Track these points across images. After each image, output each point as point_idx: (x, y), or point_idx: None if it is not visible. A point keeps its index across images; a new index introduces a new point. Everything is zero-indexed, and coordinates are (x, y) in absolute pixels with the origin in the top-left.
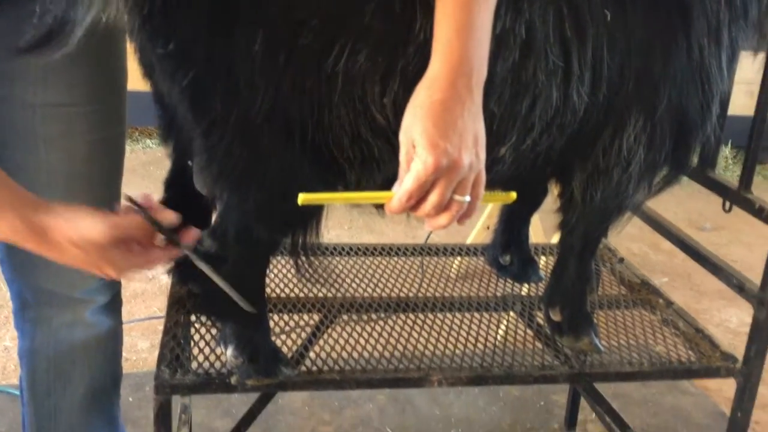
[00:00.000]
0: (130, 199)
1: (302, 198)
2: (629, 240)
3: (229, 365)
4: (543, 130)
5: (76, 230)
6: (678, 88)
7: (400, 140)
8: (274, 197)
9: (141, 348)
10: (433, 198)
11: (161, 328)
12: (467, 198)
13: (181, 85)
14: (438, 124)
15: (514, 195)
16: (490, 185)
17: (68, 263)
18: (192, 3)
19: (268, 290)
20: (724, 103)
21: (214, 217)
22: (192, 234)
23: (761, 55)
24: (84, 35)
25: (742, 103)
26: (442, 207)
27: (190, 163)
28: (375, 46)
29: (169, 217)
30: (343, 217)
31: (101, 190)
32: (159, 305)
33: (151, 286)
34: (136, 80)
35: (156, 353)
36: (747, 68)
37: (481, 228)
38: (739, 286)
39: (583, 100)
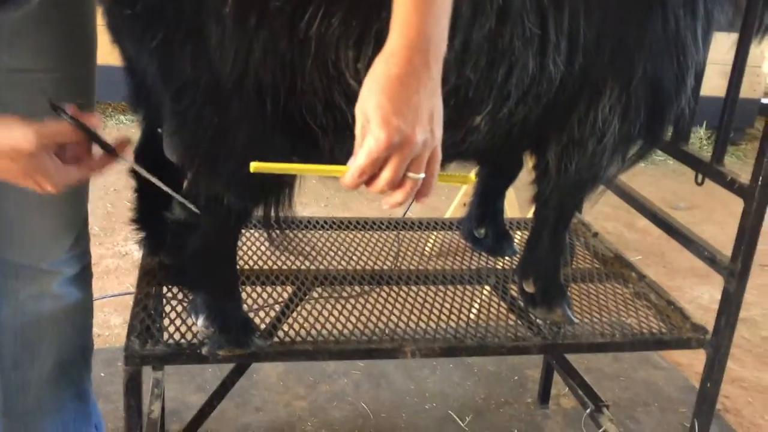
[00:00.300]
0: (56, 107)
1: (254, 166)
2: (604, 218)
3: (201, 336)
4: (519, 99)
5: (4, 139)
6: (653, 59)
7: (355, 113)
8: (245, 165)
9: (114, 324)
10: (385, 174)
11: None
12: (422, 175)
13: (149, 47)
14: (393, 99)
15: (473, 177)
16: (465, 156)
17: (1, 177)
18: None
19: (240, 262)
20: (699, 77)
21: (185, 185)
22: (124, 144)
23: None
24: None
25: (716, 84)
26: (396, 184)
27: (159, 130)
28: (349, 9)
29: (95, 122)
30: (320, 195)
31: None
32: (132, 281)
33: (124, 262)
34: (108, 55)
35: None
36: (722, 49)
37: (458, 204)
38: (711, 259)
39: (559, 69)
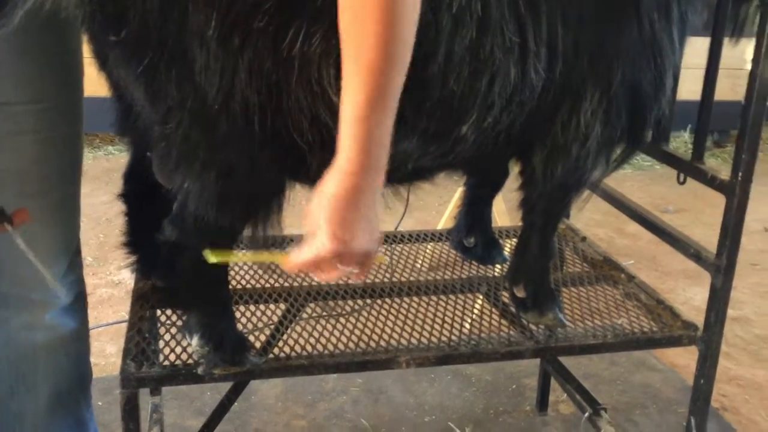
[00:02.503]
0: None
1: (210, 259)
2: (594, 225)
3: (196, 356)
4: (503, 108)
5: None
6: (631, 63)
7: (307, 213)
8: (232, 184)
9: (109, 353)
10: (322, 270)
11: None
12: (354, 271)
13: (135, 72)
14: (340, 215)
15: (385, 258)
16: (453, 166)
17: None
18: None
19: (233, 282)
20: (676, 78)
21: (174, 207)
22: (22, 214)
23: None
24: (34, 29)
25: (699, 88)
26: (328, 275)
27: (149, 154)
28: (328, 28)
29: None
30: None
31: (57, 191)
32: (127, 309)
33: (118, 291)
34: (94, 85)
35: None
36: (699, 54)
37: (449, 217)
38: (696, 255)
39: (540, 77)
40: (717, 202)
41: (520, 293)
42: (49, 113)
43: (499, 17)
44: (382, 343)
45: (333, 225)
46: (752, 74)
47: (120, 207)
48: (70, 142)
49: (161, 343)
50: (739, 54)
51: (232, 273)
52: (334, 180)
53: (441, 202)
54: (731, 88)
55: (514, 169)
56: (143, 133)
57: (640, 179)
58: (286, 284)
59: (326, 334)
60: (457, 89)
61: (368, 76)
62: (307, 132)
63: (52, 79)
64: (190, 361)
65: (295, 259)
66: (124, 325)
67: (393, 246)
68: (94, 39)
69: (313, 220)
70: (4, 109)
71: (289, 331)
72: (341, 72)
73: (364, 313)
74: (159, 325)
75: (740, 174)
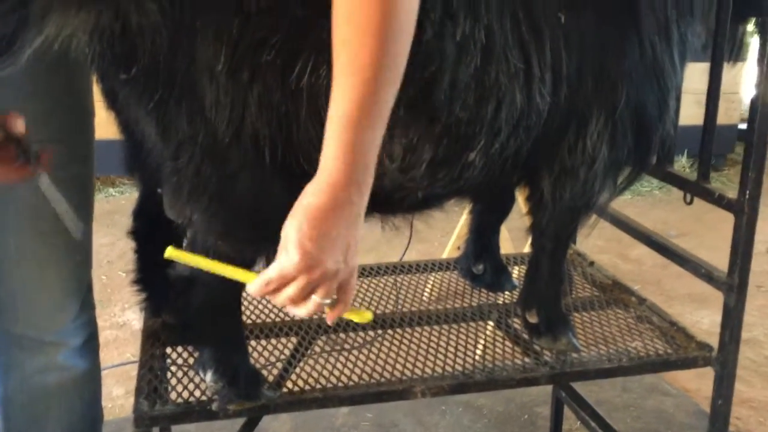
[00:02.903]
0: None
1: (168, 252)
2: (598, 251)
3: (210, 391)
4: (510, 133)
5: None
6: (635, 85)
7: (281, 234)
8: (244, 216)
9: (116, 395)
10: (288, 290)
11: (135, 374)
12: (326, 300)
13: (146, 108)
14: (312, 226)
15: (369, 315)
16: (462, 192)
17: None
18: (153, 27)
19: (242, 317)
20: (678, 100)
21: (184, 244)
22: (48, 154)
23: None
24: (43, 70)
25: (693, 112)
26: (297, 302)
27: (159, 190)
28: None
29: (20, 125)
30: None
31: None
32: (132, 351)
33: (122, 333)
34: (97, 128)
35: (132, 399)
36: (696, 79)
37: (452, 248)
38: (708, 276)
39: (545, 101)
40: (719, 225)
41: (533, 319)
42: (60, 153)
43: (503, 44)
44: (396, 373)
45: (302, 236)
46: (758, 85)
47: (121, 248)
48: (81, 182)
49: (173, 381)
50: (732, 79)
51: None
52: (313, 191)
53: (443, 233)
54: (725, 112)
55: (521, 195)
56: (153, 170)
57: (641, 205)
58: (296, 318)
59: (339, 366)
60: (464, 116)
61: (361, 87)
62: (317, 162)
63: (62, 120)
64: (204, 397)
65: (259, 278)
66: (130, 367)
67: (399, 277)
68: (103, 78)
69: (285, 232)
70: None
71: (301, 364)
72: None
73: (376, 344)
74: (170, 362)
75: (748, 192)
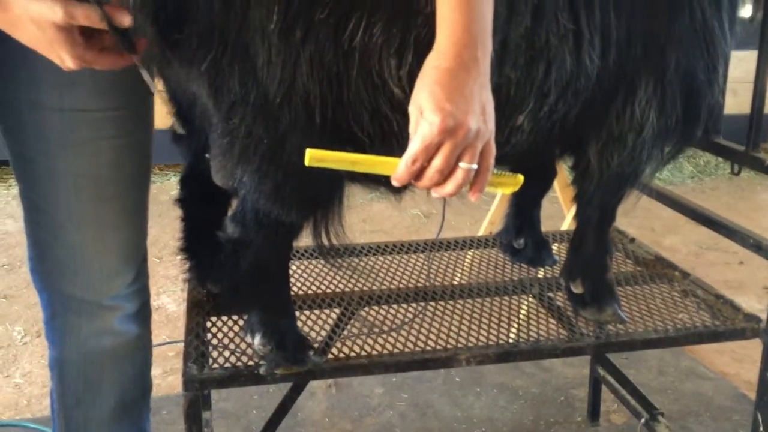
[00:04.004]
0: None
1: (309, 155)
2: None
3: (258, 354)
4: (559, 96)
5: (33, 9)
6: (684, 51)
7: (409, 110)
8: (293, 177)
9: (153, 374)
10: (437, 162)
11: (172, 354)
12: (474, 166)
13: (199, 69)
14: (445, 88)
15: (521, 177)
16: (507, 159)
17: (24, 41)
18: None
19: None
20: (727, 67)
21: (233, 208)
22: (144, 42)
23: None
24: None
25: (726, 102)
26: (446, 172)
27: (207, 155)
28: (389, 18)
29: (125, 19)
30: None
31: (130, 196)
32: (168, 333)
33: (158, 316)
34: None
35: (169, 379)
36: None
37: (486, 228)
38: (756, 246)
39: (595, 65)
40: (752, 215)
41: (578, 289)
42: (125, 120)
43: (554, 5)
44: (441, 342)
45: (438, 99)
46: None
47: (154, 235)
48: (143, 147)
49: (220, 349)
50: None
51: None
52: (436, 56)
53: (473, 221)
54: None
55: (562, 168)
56: (200, 135)
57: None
58: (338, 290)
59: (383, 335)
60: (514, 77)
61: None
62: (368, 124)
63: (127, 86)
64: (250, 362)
65: (403, 159)
66: (166, 348)
67: (438, 252)
68: (156, 39)
69: (416, 105)
70: (84, 116)
71: (345, 332)
72: (401, 62)
73: (418, 315)
74: (216, 330)
75: None
